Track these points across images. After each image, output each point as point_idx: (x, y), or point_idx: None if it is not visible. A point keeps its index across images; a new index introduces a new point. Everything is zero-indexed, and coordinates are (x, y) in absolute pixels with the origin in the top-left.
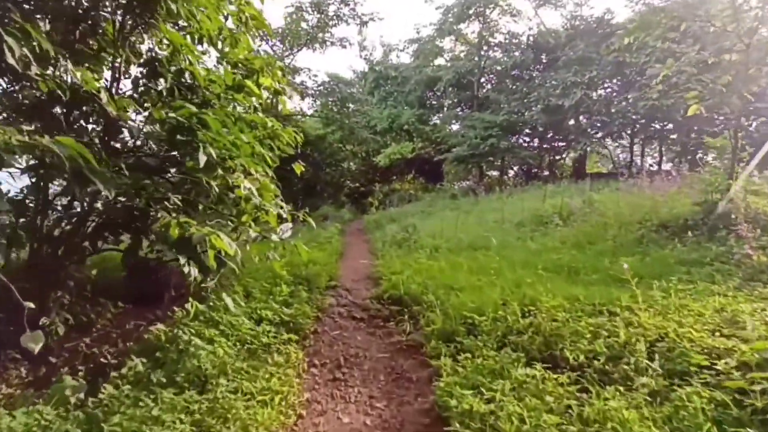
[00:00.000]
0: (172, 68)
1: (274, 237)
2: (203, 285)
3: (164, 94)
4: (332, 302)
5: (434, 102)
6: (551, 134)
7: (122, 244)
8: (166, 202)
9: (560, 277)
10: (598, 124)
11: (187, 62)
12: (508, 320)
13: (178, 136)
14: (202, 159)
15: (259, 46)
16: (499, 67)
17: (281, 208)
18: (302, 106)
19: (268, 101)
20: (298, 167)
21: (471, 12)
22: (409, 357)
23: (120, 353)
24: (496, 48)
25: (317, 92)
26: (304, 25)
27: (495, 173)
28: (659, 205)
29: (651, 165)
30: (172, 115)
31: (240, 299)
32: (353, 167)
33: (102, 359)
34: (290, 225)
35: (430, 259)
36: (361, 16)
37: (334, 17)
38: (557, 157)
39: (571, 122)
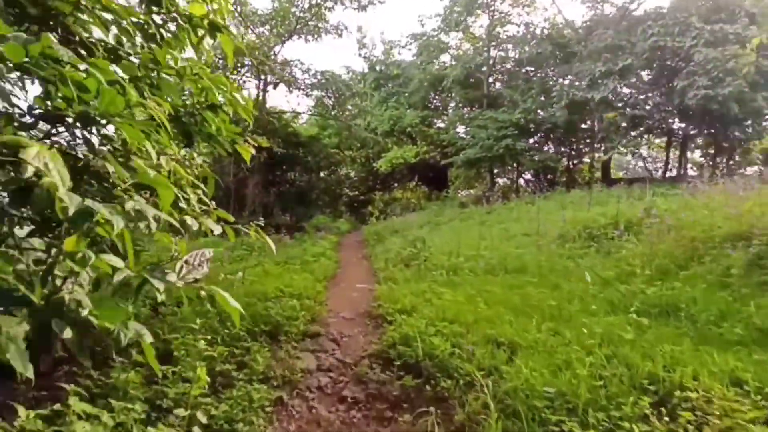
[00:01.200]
0: None
1: (170, 278)
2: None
3: None
4: (309, 365)
5: (439, 104)
6: (572, 135)
7: None
8: None
9: (669, 327)
10: (628, 123)
11: None
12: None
13: None
14: None
15: (243, 34)
16: (509, 65)
17: (205, 214)
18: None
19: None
20: (245, 150)
21: (479, 2)
22: None
23: None
24: (507, 42)
25: (310, 86)
26: (294, 9)
27: (504, 180)
28: None
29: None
30: None
31: (130, 383)
32: (351, 174)
33: None
34: (208, 253)
35: (452, 287)
36: None
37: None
38: (577, 161)
39: (599, 119)
